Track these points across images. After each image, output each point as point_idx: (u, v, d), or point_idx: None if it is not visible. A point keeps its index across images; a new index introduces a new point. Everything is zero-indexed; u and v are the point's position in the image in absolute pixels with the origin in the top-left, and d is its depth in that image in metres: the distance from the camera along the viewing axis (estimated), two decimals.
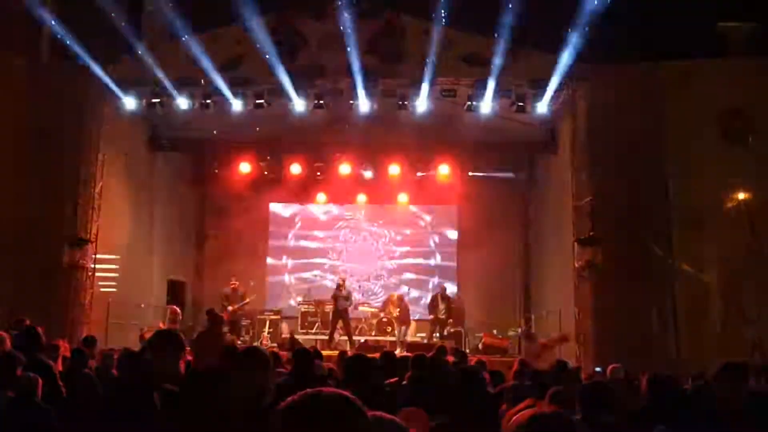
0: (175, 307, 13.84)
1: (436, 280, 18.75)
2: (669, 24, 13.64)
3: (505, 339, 16.33)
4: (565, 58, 13.15)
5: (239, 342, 13.54)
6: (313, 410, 1.58)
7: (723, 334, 12.30)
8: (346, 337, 15.75)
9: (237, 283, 16.22)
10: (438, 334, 16.01)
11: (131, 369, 5.28)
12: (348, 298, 15.84)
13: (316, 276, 19.26)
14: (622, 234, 12.45)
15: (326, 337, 15.87)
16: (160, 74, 13.78)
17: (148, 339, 4.14)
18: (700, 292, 12.61)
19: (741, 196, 12.75)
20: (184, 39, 13.65)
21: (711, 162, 12.89)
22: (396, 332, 16.28)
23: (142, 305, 15.84)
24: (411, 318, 16.82)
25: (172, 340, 3.92)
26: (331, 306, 16.09)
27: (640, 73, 13.56)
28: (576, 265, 13.49)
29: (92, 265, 13.78)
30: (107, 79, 13.86)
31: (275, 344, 14.95)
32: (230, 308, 15.45)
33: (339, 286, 15.95)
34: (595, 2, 11.76)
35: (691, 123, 13.16)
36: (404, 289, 18.33)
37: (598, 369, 10.37)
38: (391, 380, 6.34)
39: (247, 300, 16.12)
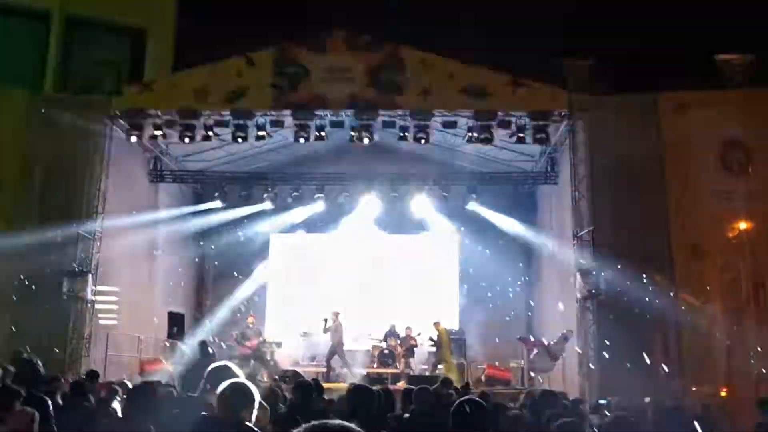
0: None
1: (436, 311, 18.54)
2: (668, 55, 13.74)
3: (508, 370, 16.18)
4: (565, 89, 13.24)
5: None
6: None
7: (727, 366, 12.20)
8: (346, 369, 15.68)
9: (253, 320, 16.73)
10: (441, 366, 15.83)
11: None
12: (337, 330, 15.84)
13: (315, 307, 19.03)
14: (624, 264, 12.40)
15: (325, 369, 15.88)
16: (162, 107, 13.86)
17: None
18: (703, 323, 12.52)
19: (742, 226, 12.74)
20: (185, 71, 13.75)
21: (711, 192, 12.92)
22: (399, 365, 16.15)
23: (142, 337, 15.74)
24: (413, 349, 16.66)
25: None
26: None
27: (640, 104, 13.61)
28: (578, 295, 13.43)
29: (92, 297, 13.70)
30: (109, 112, 13.95)
31: (276, 376, 14.83)
32: (247, 343, 15.87)
33: (327, 320, 16.00)
34: (595, 34, 11.87)
35: (690, 153, 13.21)
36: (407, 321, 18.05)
37: (602, 401, 10.24)
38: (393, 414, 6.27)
39: (263, 338, 16.40)
